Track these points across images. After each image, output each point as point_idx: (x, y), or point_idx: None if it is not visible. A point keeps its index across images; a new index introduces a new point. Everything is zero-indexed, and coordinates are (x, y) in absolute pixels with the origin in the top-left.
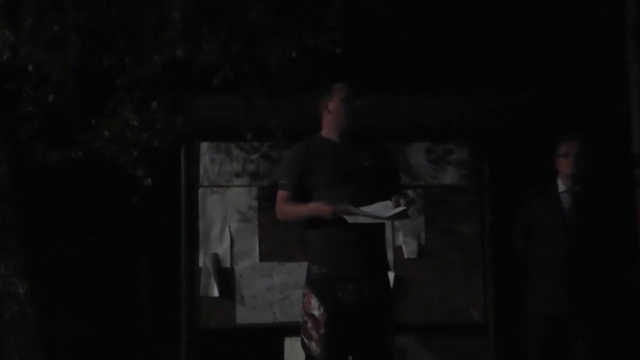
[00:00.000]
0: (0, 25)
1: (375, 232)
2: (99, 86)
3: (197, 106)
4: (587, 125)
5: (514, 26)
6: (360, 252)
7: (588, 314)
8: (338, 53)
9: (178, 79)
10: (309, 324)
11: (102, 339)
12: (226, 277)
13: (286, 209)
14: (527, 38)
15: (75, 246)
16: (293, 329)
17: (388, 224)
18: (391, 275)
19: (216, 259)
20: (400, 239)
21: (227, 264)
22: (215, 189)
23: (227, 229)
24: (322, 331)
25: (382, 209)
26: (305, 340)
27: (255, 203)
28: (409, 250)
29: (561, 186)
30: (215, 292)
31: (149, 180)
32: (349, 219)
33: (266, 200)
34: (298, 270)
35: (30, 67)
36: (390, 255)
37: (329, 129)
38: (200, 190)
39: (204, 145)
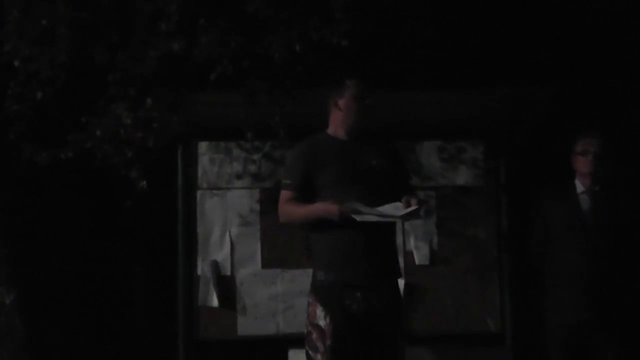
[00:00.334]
0: None
1: (385, 236)
2: (90, 83)
3: (194, 103)
4: (609, 121)
5: (532, 15)
6: (369, 257)
7: (612, 323)
8: (345, 46)
9: (174, 75)
10: (314, 335)
11: (95, 350)
12: (226, 286)
13: (290, 210)
14: (546, 28)
15: (66, 253)
16: (297, 340)
17: (398, 228)
18: (402, 283)
19: (215, 266)
20: (411, 244)
21: (227, 272)
22: (214, 191)
23: (227, 234)
24: (328, 342)
25: (392, 209)
26: (310, 352)
27: (257, 206)
28: (420, 255)
29: (579, 186)
30: (215, 302)
31: (144, 182)
32: (358, 218)
33: (269, 203)
34: (302, 278)
35: (16, 63)
36: (400, 261)
37: (336, 126)
38: (199, 193)
39: (203, 145)
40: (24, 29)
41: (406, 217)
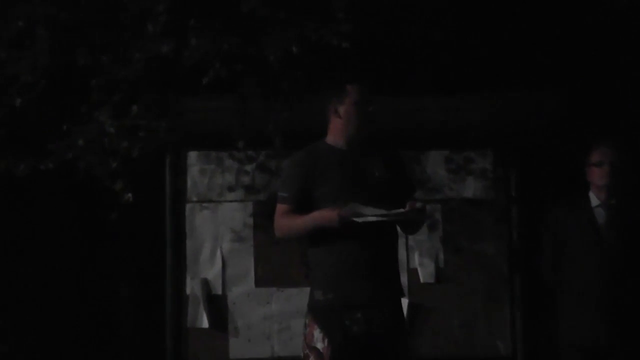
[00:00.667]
0: None
1: (388, 252)
2: (72, 88)
3: (184, 110)
4: (625, 129)
5: (544, 17)
6: (371, 275)
7: (630, 346)
8: (346, 48)
9: (162, 79)
10: (312, 359)
11: None
12: (217, 306)
13: (286, 223)
14: (557, 30)
15: (46, 270)
16: None
17: (402, 243)
18: (405, 302)
19: (206, 284)
20: (415, 261)
21: (219, 290)
22: (204, 204)
23: (218, 250)
24: None
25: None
26: None
27: (250, 220)
28: (425, 273)
29: (594, 199)
30: (205, 323)
31: (129, 194)
32: (359, 220)
33: (263, 217)
34: (299, 297)
35: None
36: (404, 279)
37: (336, 135)
38: (188, 206)
39: (192, 155)
40: (1, 31)
41: (409, 216)
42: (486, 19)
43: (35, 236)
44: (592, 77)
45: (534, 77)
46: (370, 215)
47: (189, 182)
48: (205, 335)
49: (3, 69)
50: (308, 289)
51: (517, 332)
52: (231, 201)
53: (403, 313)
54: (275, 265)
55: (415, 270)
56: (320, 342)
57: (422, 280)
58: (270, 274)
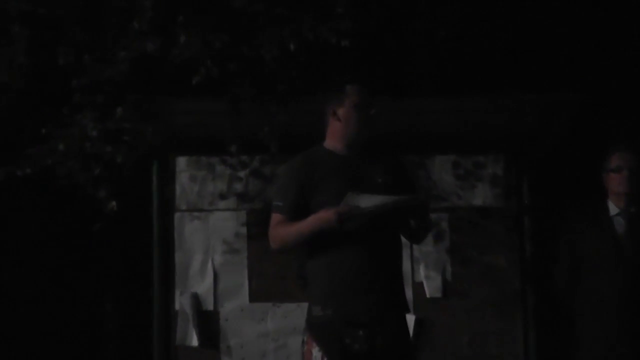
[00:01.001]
0: None
1: (391, 264)
2: (52, 89)
3: (172, 113)
4: None
5: (558, 16)
6: (373, 289)
7: None
8: (345, 46)
9: (149, 80)
10: None
11: None
12: (208, 322)
13: (281, 233)
14: (575, 31)
15: (26, 284)
16: None
17: (406, 255)
18: (410, 318)
19: (196, 299)
20: (421, 274)
21: (210, 306)
22: (195, 213)
23: (209, 263)
24: None
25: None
26: None
27: (243, 230)
28: (432, 287)
29: (613, 208)
30: (195, 341)
31: (114, 203)
32: (360, 215)
33: (257, 227)
34: (296, 313)
35: None
36: (409, 294)
37: (335, 139)
38: (177, 216)
39: (181, 161)
40: None
41: (412, 202)
42: (497, 15)
43: (10, 249)
44: (610, 80)
45: (549, 78)
46: (370, 205)
47: (178, 190)
48: (196, 354)
49: None
50: (306, 305)
51: (530, 350)
52: (223, 210)
53: (408, 330)
54: (270, 278)
55: (421, 283)
56: None
57: (428, 294)
58: (265, 288)
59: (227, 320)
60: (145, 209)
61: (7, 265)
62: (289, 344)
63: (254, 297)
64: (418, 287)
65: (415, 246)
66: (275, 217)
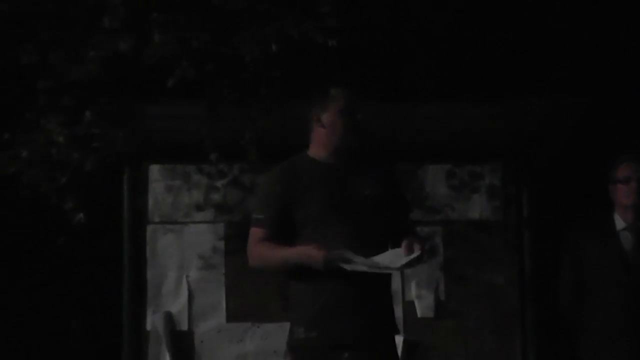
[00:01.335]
0: None
1: (379, 283)
2: (14, 91)
3: (145, 117)
4: None
5: (560, 15)
6: (360, 310)
7: None
8: (333, 46)
9: (120, 81)
10: None
11: None
12: (183, 343)
13: (263, 252)
14: (577, 29)
15: None
16: None
17: (395, 272)
18: (400, 340)
19: (169, 319)
20: (412, 292)
21: (184, 326)
22: (168, 226)
23: (184, 280)
24: None
25: (392, 257)
26: None
27: (221, 245)
28: (423, 306)
29: (620, 222)
30: None
31: (81, 215)
32: (347, 267)
33: (236, 241)
34: (278, 334)
35: None
36: (399, 314)
37: (319, 146)
38: (149, 228)
39: (154, 169)
40: None
41: (406, 267)
42: (496, 14)
43: None
44: (617, 82)
45: (550, 81)
46: (361, 264)
47: (151, 201)
48: None
49: None
50: (287, 325)
51: None
52: (199, 222)
53: (397, 353)
54: (250, 297)
55: (412, 303)
56: None
57: (419, 314)
58: (244, 308)
59: (203, 342)
60: (115, 221)
61: None
62: None
63: (231, 316)
64: (409, 307)
65: None
66: (255, 231)
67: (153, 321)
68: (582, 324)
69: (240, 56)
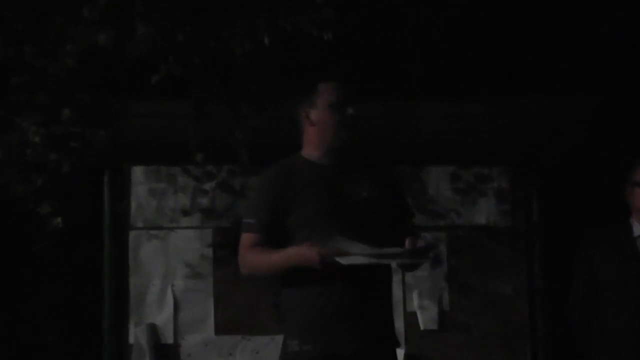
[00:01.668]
0: None
1: (379, 292)
2: None
3: (127, 115)
4: None
5: (570, 10)
6: (357, 321)
7: None
8: (328, 40)
9: (101, 77)
10: None
11: None
12: (168, 358)
13: (254, 259)
14: (587, 24)
15: None
16: None
17: (396, 281)
18: (401, 353)
19: (154, 331)
20: (414, 303)
21: (169, 339)
22: (153, 232)
23: (169, 289)
24: None
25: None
26: None
27: (209, 252)
28: (426, 318)
29: (637, 228)
30: None
31: (59, 220)
32: (343, 261)
33: (225, 248)
34: (270, 347)
35: None
36: (400, 326)
37: (311, 146)
38: (132, 234)
39: (138, 171)
40: None
41: (407, 257)
42: (502, 9)
43: None
44: (632, 80)
45: (561, 79)
46: (359, 254)
47: (134, 205)
48: None
49: None
50: (281, 338)
51: None
52: (186, 228)
53: None
54: (240, 308)
55: (414, 314)
56: None
57: (422, 326)
58: (234, 319)
59: (190, 356)
60: (95, 226)
61: None
62: None
63: (220, 329)
64: (410, 318)
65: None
66: (246, 237)
67: (136, 334)
68: (594, 338)
69: (229, 50)
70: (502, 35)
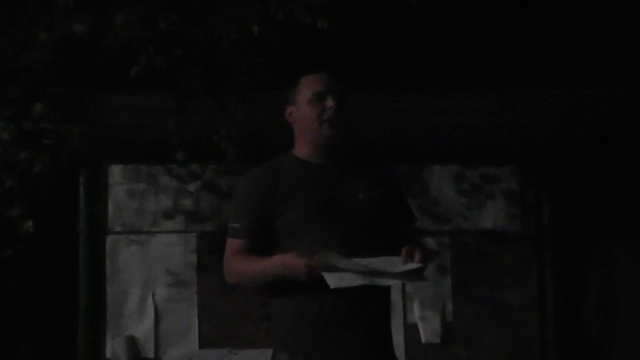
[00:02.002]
0: None
1: (375, 302)
2: None
3: (105, 110)
4: None
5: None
6: (352, 334)
7: None
8: (324, 29)
9: (76, 69)
10: None
11: None
12: None
13: (240, 266)
14: (607, 12)
15: None
16: None
17: (395, 289)
18: None
19: (133, 344)
20: (415, 314)
21: (150, 353)
22: (132, 236)
23: (149, 299)
24: None
25: (386, 264)
26: None
27: (193, 258)
28: (428, 330)
29: None
30: None
31: (30, 223)
32: (332, 284)
33: (210, 254)
34: None
35: None
36: (399, 339)
37: (302, 145)
38: (110, 239)
39: (115, 170)
40: None
41: (403, 278)
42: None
43: None
44: None
45: (576, 70)
46: (350, 270)
47: (111, 207)
48: None
49: None
50: (269, 351)
51: None
52: (168, 232)
53: None
54: (226, 319)
55: (415, 326)
56: None
57: (423, 339)
58: (219, 331)
59: None
60: (69, 230)
61: None
62: None
63: (205, 342)
64: (411, 331)
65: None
66: (232, 242)
67: (113, 347)
68: (610, 349)
69: (215, 40)
70: (511, 23)
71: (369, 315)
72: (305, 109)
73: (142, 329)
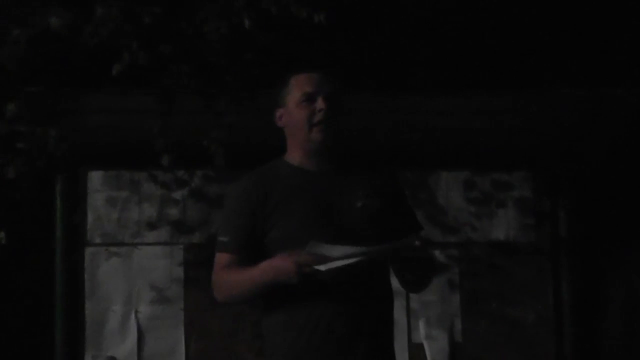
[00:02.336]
0: None
1: (377, 319)
2: None
3: (84, 111)
4: None
5: None
6: (350, 354)
7: None
8: (321, 23)
9: (53, 67)
10: None
11: None
12: None
13: (228, 280)
14: (632, 9)
15: None
16: None
17: (399, 306)
18: None
19: None
20: (420, 333)
21: None
22: (113, 248)
23: (132, 316)
24: None
25: (375, 248)
26: None
27: (179, 272)
28: (435, 351)
29: None
30: None
31: (2, 234)
32: (323, 268)
33: (198, 268)
34: None
35: None
36: (403, 359)
37: (294, 150)
38: (89, 251)
39: (95, 176)
40: None
41: (402, 250)
42: None
43: None
44: None
45: (595, 69)
46: (340, 257)
47: (90, 216)
48: None
49: None
50: None
51: None
52: (152, 244)
53: None
54: (215, 337)
55: (421, 345)
56: None
57: (429, 359)
58: (208, 351)
59: None
60: (45, 241)
61: None
62: None
63: None
64: (416, 350)
65: (412, 295)
66: (220, 257)
67: None
68: None
69: (203, 35)
70: (524, 17)
71: (369, 334)
72: (294, 111)
73: (124, 349)
